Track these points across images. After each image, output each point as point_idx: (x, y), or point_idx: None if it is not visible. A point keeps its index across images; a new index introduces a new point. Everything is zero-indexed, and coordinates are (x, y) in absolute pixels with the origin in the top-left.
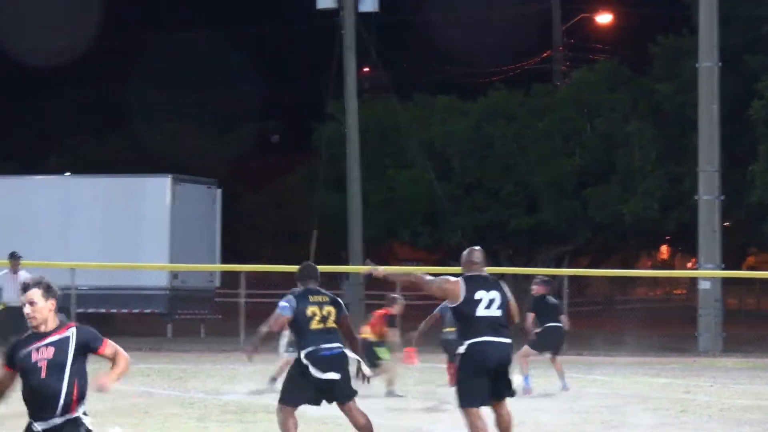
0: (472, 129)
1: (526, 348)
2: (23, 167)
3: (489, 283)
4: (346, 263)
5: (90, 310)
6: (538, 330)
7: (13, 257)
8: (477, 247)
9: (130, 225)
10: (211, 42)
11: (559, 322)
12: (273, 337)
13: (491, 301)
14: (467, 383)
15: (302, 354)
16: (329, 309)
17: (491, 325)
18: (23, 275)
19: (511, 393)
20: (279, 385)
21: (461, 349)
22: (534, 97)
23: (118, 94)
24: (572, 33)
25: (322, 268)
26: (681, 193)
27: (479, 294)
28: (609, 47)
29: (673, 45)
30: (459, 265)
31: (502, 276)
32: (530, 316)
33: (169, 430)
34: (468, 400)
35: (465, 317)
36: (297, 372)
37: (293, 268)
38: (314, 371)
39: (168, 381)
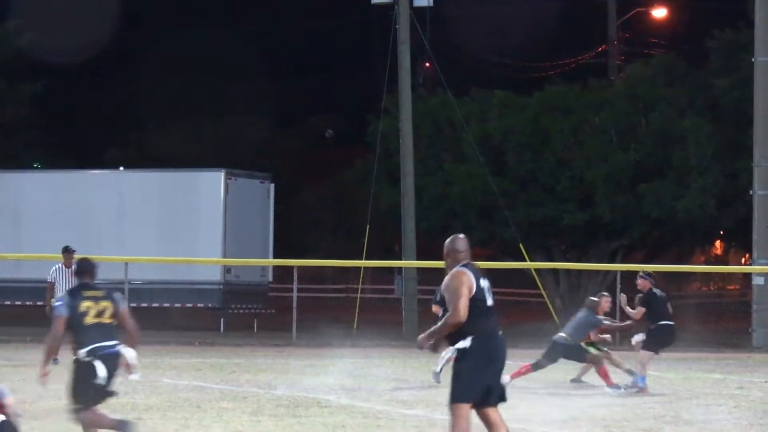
0: (529, 123)
1: (644, 353)
2: (81, 161)
3: (481, 271)
4: (399, 258)
5: (143, 305)
6: (651, 327)
7: (67, 251)
8: (461, 235)
9: (183, 219)
10: (269, 37)
11: (670, 318)
12: (60, 342)
13: (489, 290)
14: (468, 377)
15: (83, 352)
16: (105, 304)
17: (496, 318)
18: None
19: (505, 397)
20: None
21: (465, 343)
22: (590, 91)
23: (179, 87)
24: (627, 27)
25: (375, 263)
26: (737, 189)
27: (483, 282)
28: (665, 41)
29: (729, 39)
30: (511, 260)
31: (555, 271)
32: (641, 311)
33: (222, 425)
34: (465, 394)
35: (477, 308)
36: (82, 373)
37: (346, 262)
38: (99, 369)
39: (220, 375)
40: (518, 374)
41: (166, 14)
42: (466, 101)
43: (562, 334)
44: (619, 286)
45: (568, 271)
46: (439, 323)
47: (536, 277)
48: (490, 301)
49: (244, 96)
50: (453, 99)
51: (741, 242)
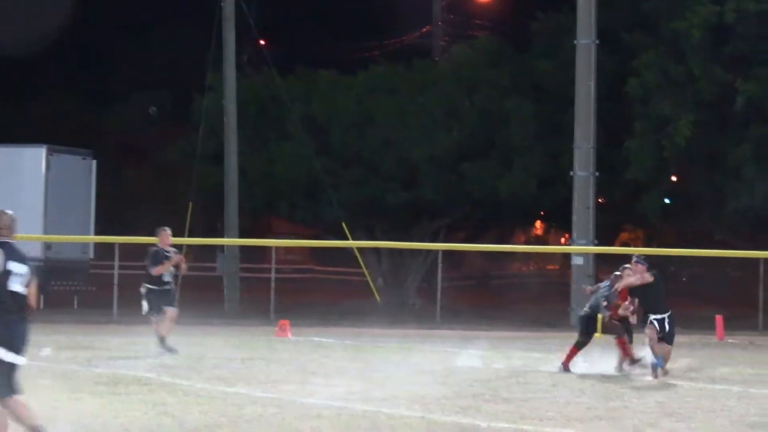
0: (353, 103)
1: (651, 333)
2: None
3: (19, 253)
4: (222, 236)
5: None
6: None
7: None
8: (8, 211)
9: (3, 195)
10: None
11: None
12: None
13: (21, 276)
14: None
15: None
16: None
17: (18, 305)
18: None
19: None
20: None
21: None
22: (415, 72)
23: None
24: (452, 9)
25: (198, 240)
26: (558, 170)
27: (16, 266)
28: (489, 24)
29: (552, 22)
30: (335, 239)
31: (378, 250)
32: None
33: (40, 403)
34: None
35: None
36: None
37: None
38: None
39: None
40: (569, 359)
41: None
42: (291, 80)
43: (585, 308)
44: (441, 265)
45: (390, 250)
46: None
47: (359, 256)
48: (14, 287)
49: (65, 74)
50: (278, 78)
51: (561, 223)
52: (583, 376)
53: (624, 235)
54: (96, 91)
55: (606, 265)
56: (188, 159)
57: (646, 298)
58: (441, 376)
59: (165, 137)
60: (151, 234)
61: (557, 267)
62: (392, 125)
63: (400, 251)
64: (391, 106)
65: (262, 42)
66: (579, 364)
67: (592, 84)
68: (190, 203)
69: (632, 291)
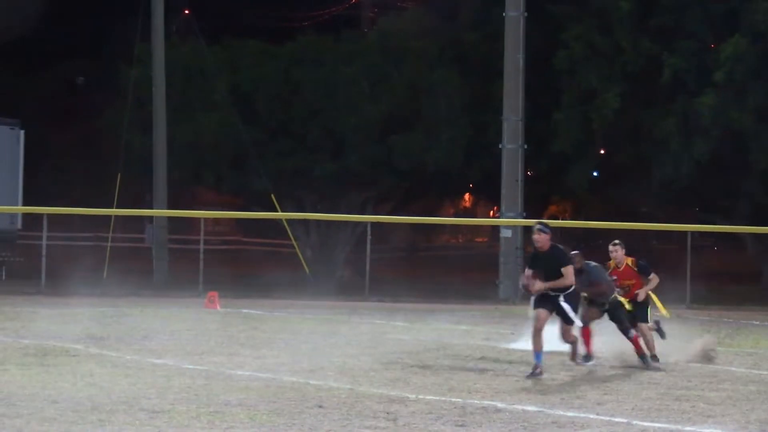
0: (280, 73)
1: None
2: None
3: None
4: (150, 207)
5: None
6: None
7: None
8: None
9: None
10: None
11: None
12: None
13: None
14: None
15: None
16: None
17: None
18: None
19: None
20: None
21: None
22: (343, 42)
23: None
24: None
25: (126, 211)
26: (486, 142)
27: None
28: None
29: None
30: (263, 210)
31: (306, 221)
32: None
33: None
34: None
35: None
36: None
37: (96, 211)
38: None
39: None
40: (587, 343)
41: None
42: (218, 50)
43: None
44: (369, 237)
45: (318, 222)
46: None
47: (287, 228)
48: None
49: None
50: (205, 47)
51: (489, 195)
52: (509, 351)
53: (552, 208)
54: (21, 59)
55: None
56: (115, 129)
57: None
58: (369, 347)
59: (92, 107)
60: (80, 205)
61: (486, 239)
62: (319, 96)
63: (328, 223)
64: (318, 77)
65: (188, 11)
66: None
67: (521, 57)
68: (119, 174)
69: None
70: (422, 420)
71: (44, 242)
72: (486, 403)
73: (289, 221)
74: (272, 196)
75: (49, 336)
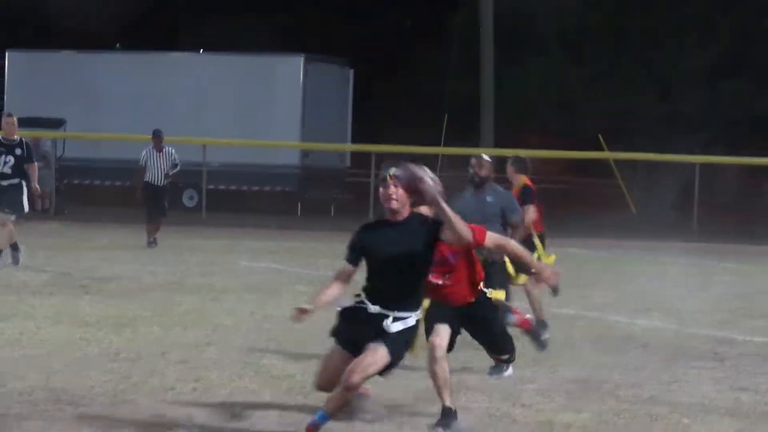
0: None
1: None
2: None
3: None
4: (476, 145)
5: (221, 187)
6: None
7: (156, 135)
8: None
9: (262, 103)
10: None
11: None
12: None
13: None
14: None
15: None
16: None
17: None
18: (168, 150)
19: None
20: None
21: None
22: None
23: None
24: None
25: (453, 150)
26: None
27: None
28: None
29: None
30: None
31: (635, 163)
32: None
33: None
34: None
35: None
36: None
37: (423, 149)
38: None
39: (297, 259)
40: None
41: None
42: None
43: None
44: (697, 177)
45: (646, 163)
46: None
47: (614, 168)
48: None
49: None
50: None
51: None
52: None
53: None
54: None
55: None
56: (441, 72)
57: None
58: (697, 289)
59: (416, 51)
60: (403, 142)
61: None
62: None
63: (656, 164)
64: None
65: None
66: None
67: None
68: (446, 115)
69: None
70: (750, 362)
71: (372, 180)
72: None
73: (617, 162)
74: (600, 136)
75: None
